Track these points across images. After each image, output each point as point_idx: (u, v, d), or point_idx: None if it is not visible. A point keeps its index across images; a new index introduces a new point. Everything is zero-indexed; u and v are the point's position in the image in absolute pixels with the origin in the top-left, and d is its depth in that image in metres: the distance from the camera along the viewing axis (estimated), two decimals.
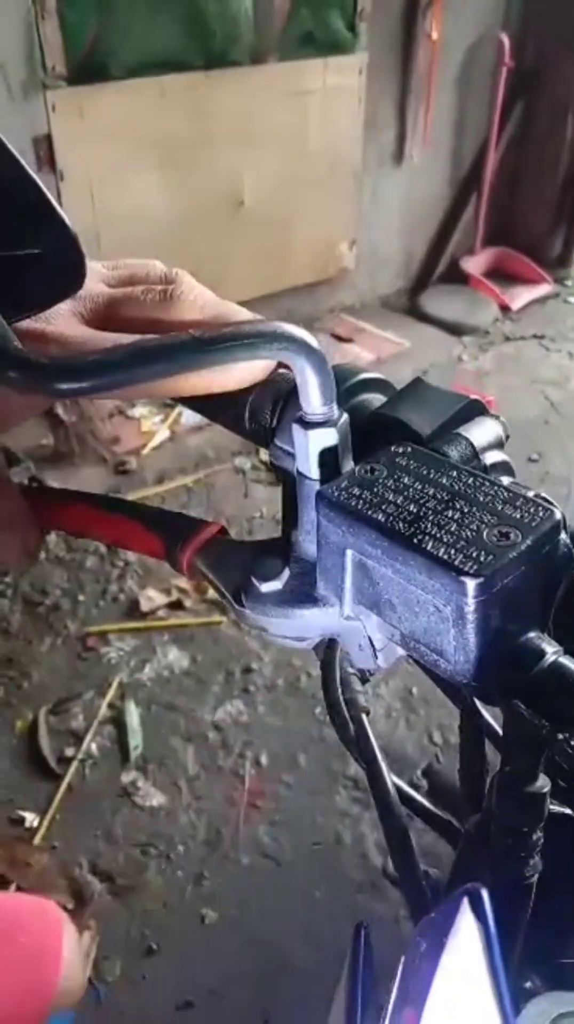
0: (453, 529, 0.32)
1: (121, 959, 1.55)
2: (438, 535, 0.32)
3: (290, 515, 0.40)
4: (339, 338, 3.58)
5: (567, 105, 3.76)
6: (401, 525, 0.33)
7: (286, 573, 0.38)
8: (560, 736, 0.32)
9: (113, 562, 2.38)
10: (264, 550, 0.40)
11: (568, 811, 0.42)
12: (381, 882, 1.66)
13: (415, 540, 0.32)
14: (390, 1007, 0.32)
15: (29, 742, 1.92)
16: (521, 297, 3.92)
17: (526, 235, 4.09)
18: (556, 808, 0.39)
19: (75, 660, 2.12)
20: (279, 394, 0.39)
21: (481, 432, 0.39)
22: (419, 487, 0.34)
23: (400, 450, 0.37)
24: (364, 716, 0.44)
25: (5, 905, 0.99)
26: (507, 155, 3.88)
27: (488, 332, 3.76)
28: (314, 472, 0.36)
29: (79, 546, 2.42)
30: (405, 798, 0.45)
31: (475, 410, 0.39)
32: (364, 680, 0.44)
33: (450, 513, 0.33)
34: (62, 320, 0.38)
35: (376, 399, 0.41)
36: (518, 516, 0.33)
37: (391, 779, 0.44)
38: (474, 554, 0.31)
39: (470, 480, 0.35)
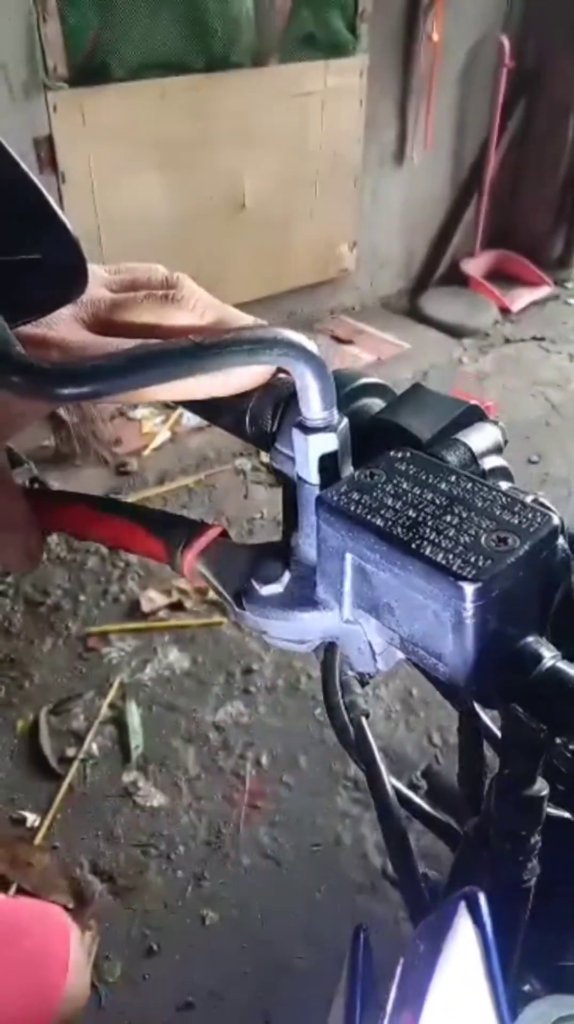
0: (451, 534, 0.32)
1: (121, 959, 1.55)
2: (437, 540, 0.32)
3: (290, 518, 0.40)
4: (339, 340, 3.58)
5: (567, 106, 3.76)
6: (400, 530, 0.33)
7: (286, 576, 0.39)
8: (558, 740, 0.32)
9: (114, 563, 2.39)
10: (264, 553, 0.41)
11: (566, 815, 0.42)
12: (381, 883, 1.66)
13: (414, 545, 0.32)
14: (389, 1009, 0.32)
15: (30, 742, 1.92)
16: (521, 299, 3.92)
17: (526, 236, 4.09)
18: (554, 812, 0.39)
19: (76, 660, 2.12)
20: (280, 398, 0.40)
21: (480, 437, 0.39)
22: (418, 492, 0.35)
23: (399, 455, 0.37)
24: (364, 719, 0.44)
25: (8, 909, 0.99)
26: (508, 156, 3.88)
27: (488, 334, 3.76)
28: (314, 477, 0.36)
29: (80, 546, 2.42)
30: (404, 800, 0.46)
31: (474, 415, 0.40)
32: (364, 683, 0.44)
33: (449, 518, 0.33)
34: (64, 325, 0.38)
35: (376, 404, 0.41)
36: (516, 521, 0.33)
37: (390, 782, 0.44)
38: (472, 559, 0.31)
39: (469, 485, 0.35)
